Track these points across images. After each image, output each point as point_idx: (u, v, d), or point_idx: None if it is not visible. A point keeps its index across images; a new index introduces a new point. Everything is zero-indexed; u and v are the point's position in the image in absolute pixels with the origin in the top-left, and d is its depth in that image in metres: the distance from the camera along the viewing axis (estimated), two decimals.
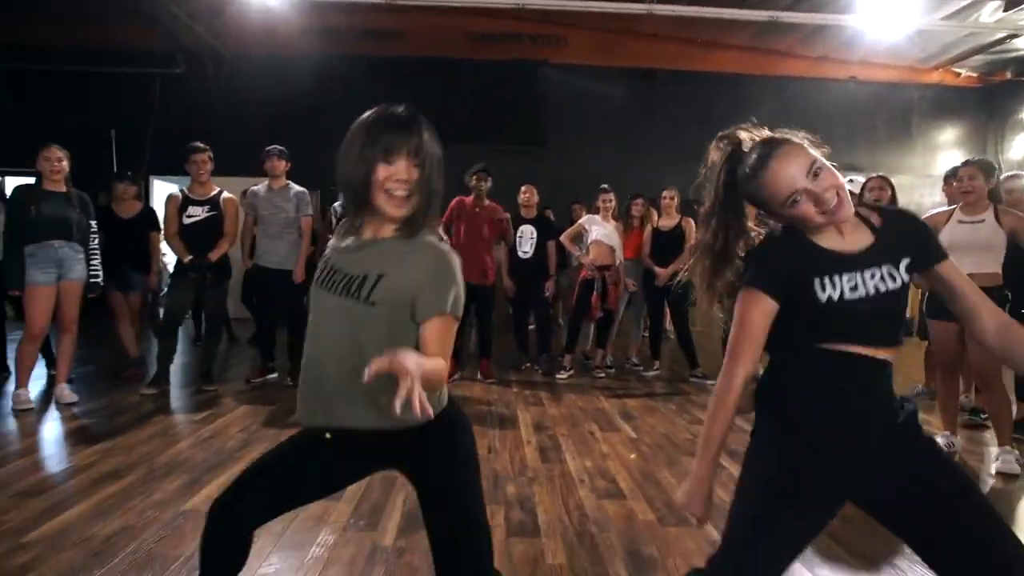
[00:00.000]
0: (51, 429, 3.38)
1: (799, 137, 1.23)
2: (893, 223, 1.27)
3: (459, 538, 1.26)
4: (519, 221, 5.15)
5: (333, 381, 1.21)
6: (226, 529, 1.24)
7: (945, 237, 3.10)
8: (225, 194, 4.33)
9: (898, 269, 1.21)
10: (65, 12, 8.11)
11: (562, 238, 5.13)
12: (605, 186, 5.13)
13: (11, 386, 3.88)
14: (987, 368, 3.05)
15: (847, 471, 1.19)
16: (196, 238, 4.16)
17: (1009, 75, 8.66)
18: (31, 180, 3.94)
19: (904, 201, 7.41)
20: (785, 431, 1.23)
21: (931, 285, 1.31)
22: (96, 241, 3.96)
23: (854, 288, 1.19)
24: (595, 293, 4.93)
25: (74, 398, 3.84)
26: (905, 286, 1.22)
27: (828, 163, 1.20)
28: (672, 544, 2.13)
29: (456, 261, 1.23)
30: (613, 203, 5.07)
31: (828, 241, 1.22)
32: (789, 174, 1.17)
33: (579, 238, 5.14)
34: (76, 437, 3.19)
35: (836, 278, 1.19)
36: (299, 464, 1.29)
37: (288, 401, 3.95)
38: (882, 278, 1.21)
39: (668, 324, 5.46)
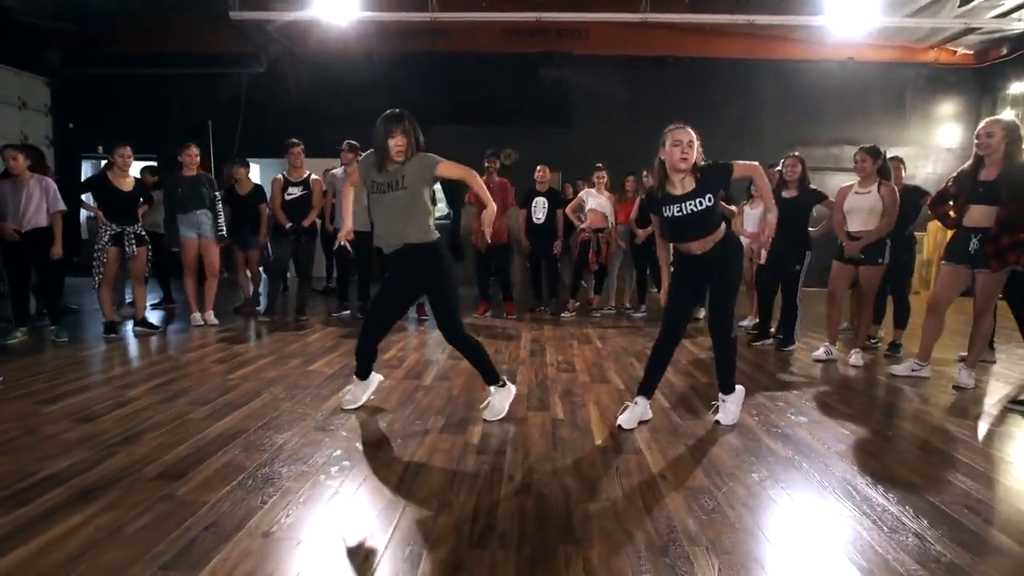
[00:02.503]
0: (214, 334, 5.09)
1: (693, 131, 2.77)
2: (707, 174, 2.77)
3: (447, 305, 2.93)
4: (533, 194, 6.55)
5: (394, 228, 2.84)
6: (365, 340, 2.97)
7: (848, 203, 4.35)
8: (313, 176, 5.90)
9: (704, 198, 2.74)
10: (167, 23, 9.89)
11: (566, 210, 6.50)
12: (599, 165, 6.47)
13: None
14: (865, 296, 4.35)
15: (698, 276, 2.87)
16: (294, 210, 5.77)
17: (1004, 52, 9.32)
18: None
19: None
20: (679, 266, 2.94)
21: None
22: (220, 207, 5.62)
23: (678, 211, 2.78)
24: (591, 251, 6.32)
25: (216, 321, 5.59)
26: (709, 208, 2.75)
27: (696, 148, 2.75)
28: (591, 389, 3.61)
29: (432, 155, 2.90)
30: (605, 178, 6.41)
31: (672, 189, 2.85)
32: (678, 136, 2.74)
33: (580, 208, 6.51)
34: (228, 340, 4.89)
35: (670, 206, 2.82)
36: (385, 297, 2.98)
37: (359, 326, 5.54)
38: (693, 204, 2.75)
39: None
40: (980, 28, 7.50)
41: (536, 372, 3.99)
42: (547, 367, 4.15)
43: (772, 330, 5.17)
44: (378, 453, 2.54)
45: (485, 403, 3.07)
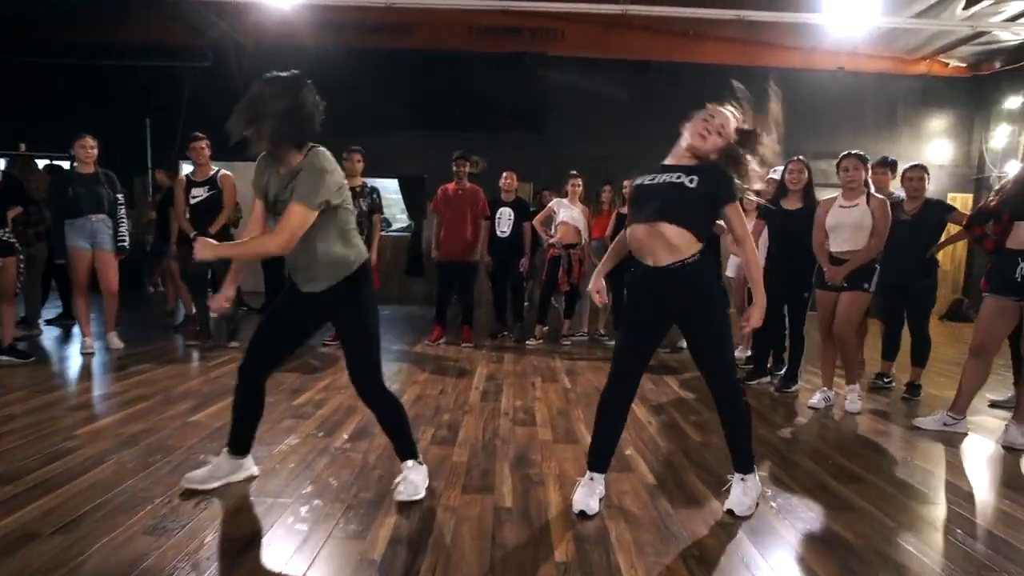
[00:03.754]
0: (100, 366, 4.16)
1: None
2: (712, 168, 2.11)
3: (362, 351, 2.14)
4: (498, 204, 5.74)
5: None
6: (246, 382, 2.18)
7: (831, 219, 3.61)
8: (222, 172, 4.93)
9: (688, 179, 2.05)
10: (104, 12, 8.94)
11: (534, 222, 5.70)
12: (574, 172, 5.70)
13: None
14: (842, 326, 3.59)
15: (655, 308, 2.18)
16: (201, 215, 4.81)
17: (998, 65, 8.85)
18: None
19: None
20: (630, 288, 2.27)
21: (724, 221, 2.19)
22: (123, 211, 4.70)
23: (650, 179, 2.13)
24: (561, 270, 5.52)
25: (120, 345, 4.68)
26: (689, 191, 2.05)
27: (730, 128, 2.13)
28: (554, 453, 2.77)
29: (322, 160, 2.00)
30: (580, 188, 5.63)
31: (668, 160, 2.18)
32: (711, 113, 2.13)
33: (549, 221, 5.72)
34: (117, 373, 3.96)
35: (646, 175, 2.17)
36: (281, 324, 2.17)
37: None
38: (671, 176, 2.08)
39: None
40: (987, 33, 6.96)
41: (485, 426, 3.14)
42: (499, 417, 3.30)
43: (768, 365, 4.42)
44: None
45: (398, 479, 2.23)
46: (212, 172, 4.88)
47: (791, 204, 3.96)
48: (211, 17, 8.51)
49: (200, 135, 4.84)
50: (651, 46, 9.19)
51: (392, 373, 4.21)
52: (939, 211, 4.03)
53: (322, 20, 8.76)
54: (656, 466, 2.65)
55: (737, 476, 2.22)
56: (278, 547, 1.86)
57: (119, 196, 4.71)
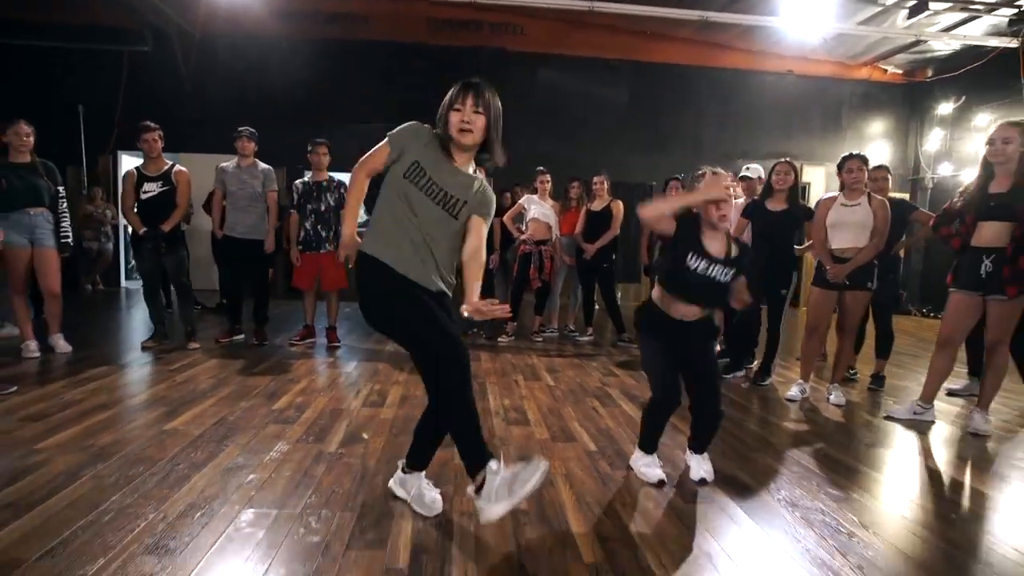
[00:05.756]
0: (49, 372, 3.84)
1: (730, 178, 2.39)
2: (741, 251, 2.35)
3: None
4: None
5: (431, 260, 1.96)
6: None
7: (831, 217, 3.73)
8: (177, 167, 4.66)
9: (727, 273, 2.30)
10: None
11: (504, 218, 5.66)
12: (541, 168, 5.68)
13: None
14: (852, 324, 3.78)
15: (676, 342, 2.41)
16: (152, 212, 4.53)
17: (929, 73, 9.41)
18: None
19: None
20: (654, 326, 2.48)
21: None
22: (65, 205, 4.37)
23: (704, 268, 2.29)
24: (532, 266, 5.51)
25: (68, 348, 4.37)
26: (727, 284, 2.31)
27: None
28: (556, 453, 2.74)
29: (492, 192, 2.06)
30: (549, 183, 5.62)
31: (706, 241, 2.32)
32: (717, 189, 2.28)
33: (520, 217, 5.69)
34: (69, 380, 3.66)
35: (699, 257, 2.29)
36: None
37: (252, 356, 4.48)
38: (719, 273, 2.29)
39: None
40: (923, 42, 7.37)
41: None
42: (491, 416, 3.25)
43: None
44: None
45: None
46: (166, 167, 4.59)
47: (776, 205, 4.08)
48: (158, 3, 8.00)
49: (152, 125, 4.53)
50: (609, 44, 9.27)
51: (369, 374, 4.08)
52: (903, 210, 4.23)
53: (276, 8, 8.42)
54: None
55: (697, 456, 2.55)
56: (297, 563, 1.75)
57: (60, 188, 4.38)
